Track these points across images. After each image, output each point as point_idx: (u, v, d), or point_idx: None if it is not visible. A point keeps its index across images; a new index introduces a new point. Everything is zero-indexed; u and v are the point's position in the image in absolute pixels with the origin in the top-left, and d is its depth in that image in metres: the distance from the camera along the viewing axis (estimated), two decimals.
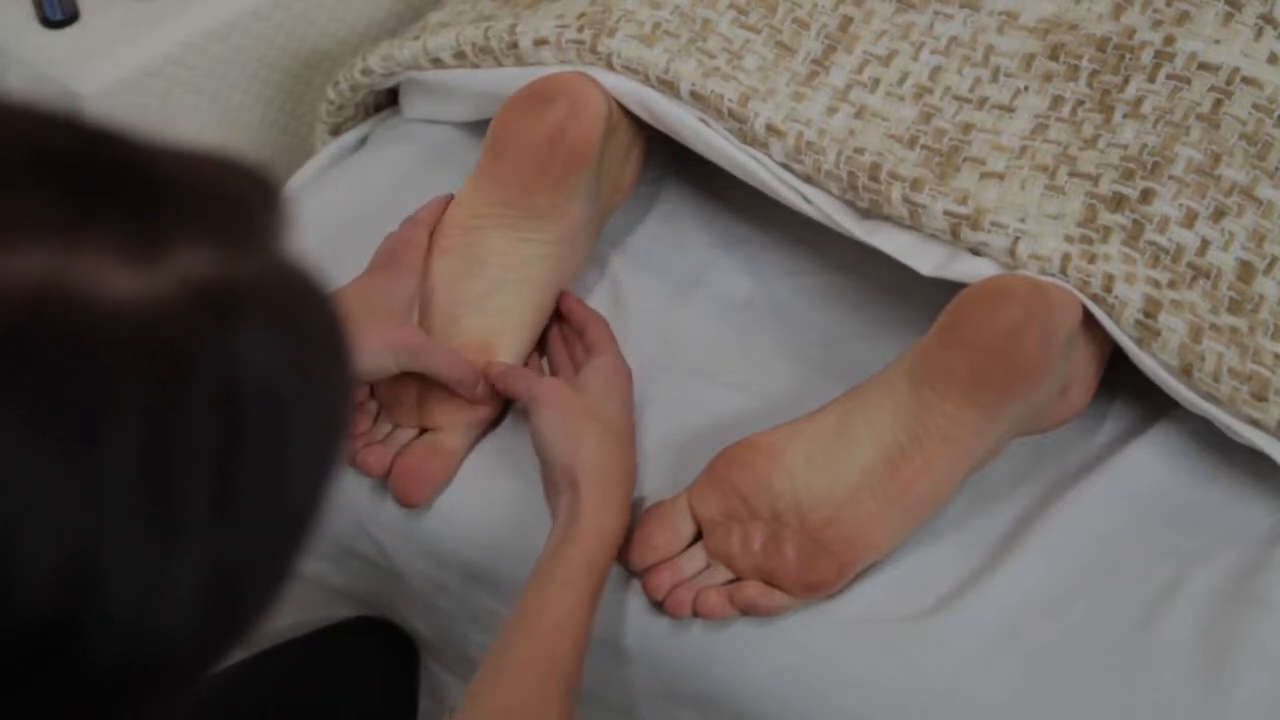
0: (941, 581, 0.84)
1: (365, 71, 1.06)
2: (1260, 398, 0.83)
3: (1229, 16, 0.95)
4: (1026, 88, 0.95)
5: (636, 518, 0.84)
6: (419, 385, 0.88)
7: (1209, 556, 0.85)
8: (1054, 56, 0.96)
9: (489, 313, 0.90)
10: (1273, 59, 0.94)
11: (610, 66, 0.94)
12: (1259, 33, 0.95)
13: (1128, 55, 0.95)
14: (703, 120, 0.94)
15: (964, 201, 0.87)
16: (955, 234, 0.87)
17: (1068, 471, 0.89)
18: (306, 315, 0.39)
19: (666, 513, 0.83)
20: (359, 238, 0.94)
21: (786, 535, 0.81)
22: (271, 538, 0.39)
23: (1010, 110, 0.94)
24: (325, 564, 0.94)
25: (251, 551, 0.38)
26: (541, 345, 0.95)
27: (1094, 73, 0.95)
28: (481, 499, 0.88)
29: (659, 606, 0.82)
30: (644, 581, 0.82)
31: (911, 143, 0.93)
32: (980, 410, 0.79)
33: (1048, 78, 0.95)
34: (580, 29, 0.95)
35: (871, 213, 0.91)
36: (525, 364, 0.92)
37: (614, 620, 0.83)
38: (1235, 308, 0.86)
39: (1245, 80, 0.92)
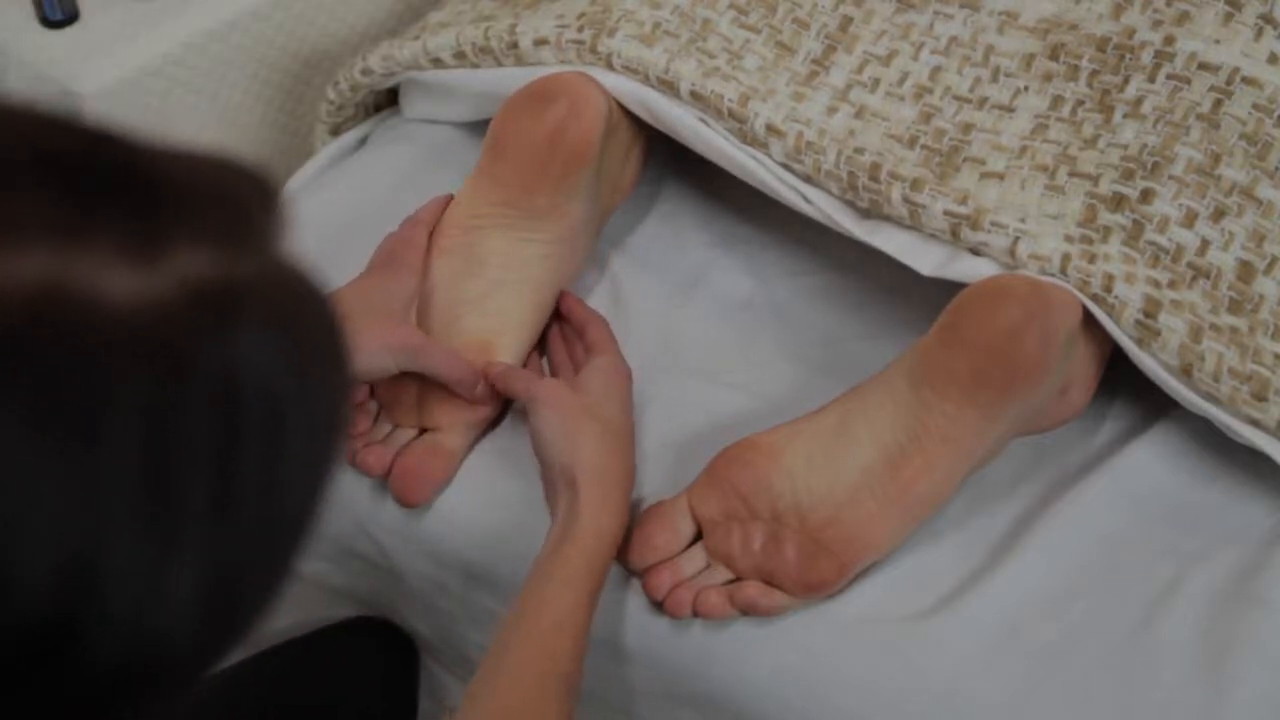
0: (941, 581, 0.84)
1: (365, 71, 1.06)
2: (1260, 398, 0.83)
3: (1229, 16, 0.95)
4: (1026, 88, 0.95)
5: (636, 517, 0.84)
6: (419, 385, 0.88)
7: (1209, 556, 0.85)
8: (1054, 56, 0.96)
9: (489, 313, 0.90)
10: (1273, 59, 0.94)
11: (610, 66, 0.94)
12: (1259, 33, 0.95)
13: (1128, 55, 0.95)
14: (703, 120, 0.94)
15: (964, 201, 0.87)
16: (955, 234, 0.87)
17: (1068, 471, 0.89)
18: (305, 316, 0.39)
19: (666, 513, 0.83)
20: (359, 238, 0.94)
21: (786, 535, 0.81)
22: (271, 538, 0.39)
23: (1010, 110, 0.94)
24: (325, 564, 0.94)
25: (251, 551, 0.38)
26: (541, 345, 0.95)
27: (1094, 73, 0.95)
28: (481, 499, 0.88)
29: (659, 606, 0.82)
30: (644, 581, 0.83)
31: (911, 143, 0.93)
32: (980, 410, 0.79)
33: (1048, 78, 0.95)
34: (580, 29, 0.95)
35: (871, 213, 0.91)
36: (525, 364, 0.92)
37: (614, 620, 0.83)
38: (1235, 308, 0.86)
39: (1245, 80, 0.92)
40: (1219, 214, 0.88)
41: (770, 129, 0.91)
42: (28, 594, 0.33)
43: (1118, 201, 0.88)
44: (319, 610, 0.97)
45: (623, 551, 0.83)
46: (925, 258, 0.88)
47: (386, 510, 0.88)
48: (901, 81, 0.96)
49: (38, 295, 0.33)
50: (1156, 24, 0.96)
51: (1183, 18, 0.96)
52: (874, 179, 0.89)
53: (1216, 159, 0.89)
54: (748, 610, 0.81)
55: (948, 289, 0.84)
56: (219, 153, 0.39)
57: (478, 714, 0.74)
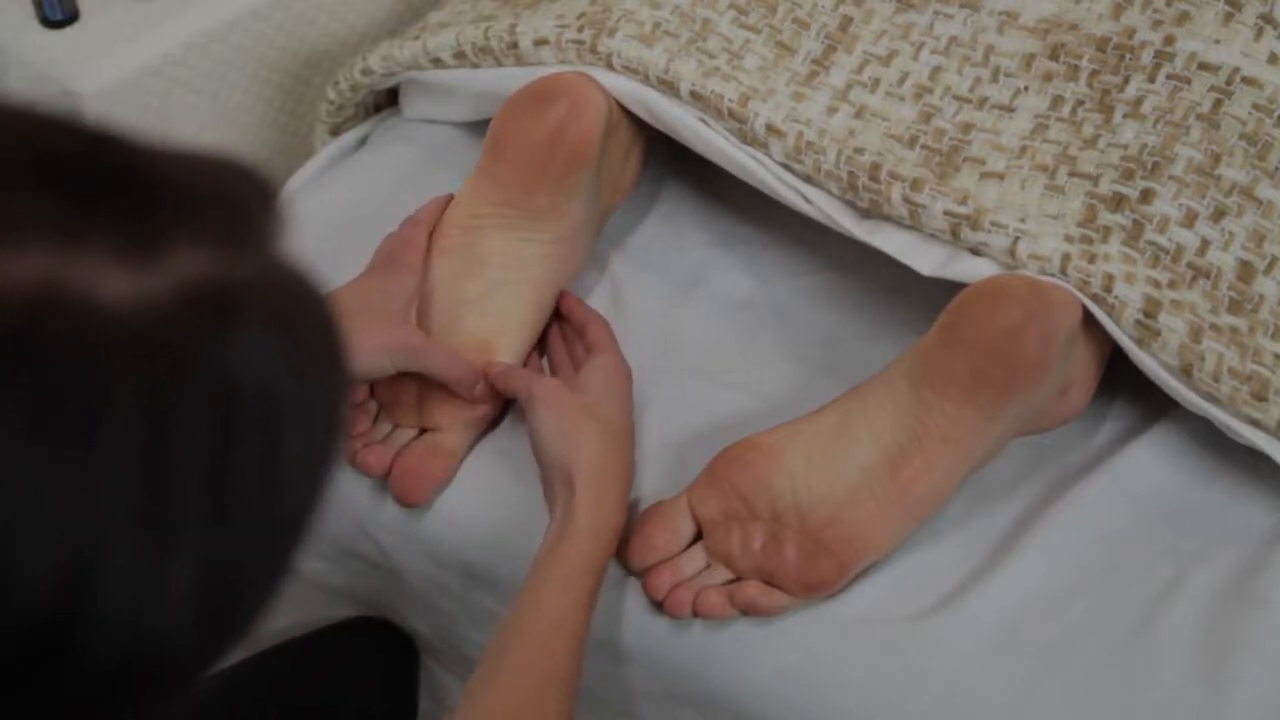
0: (941, 581, 0.84)
1: (365, 71, 1.06)
2: (1260, 398, 0.83)
3: (1229, 16, 0.95)
4: (1026, 88, 0.95)
5: (635, 517, 0.84)
6: (418, 385, 0.88)
7: (1209, 556, 0.85)
8: (1054, 56, 0.96)
9: (489, 313, 0.90)
10: (1273, 59, 0.94)
11: (610, 66, 0.94)
12: (1259, 33, 0.95)
13: (1128, 55, 0.95)
14: (703, 120, 0.94)
15: (964, 201, 0.87)
16: (955, 234, 0.87)
17: (1068, 471, 0.89)
18: (304, 316, 0.39)
19: (666, 513, 0.83)
20: (359, 238, 0.94)
21: (786, 535, 0.81)
22: (270, 538, 0.39)
23: (1010, 110, 0.94)
24: (325, 564, 0.94)
25: (250, 551, 0.38)
26: (542, 345, 0.95)
27: (1094, 73, 0.95)
28: (481, 499, 0.88)
29: (659, 606, 0.82)
30: (644, 581, 0.82)
31: (911, 143, 0.93)
32: (980, 410, 0.79)
33: (1048, 78, 0.95)
34: (580, 29, 0.95)
35: (871, 213, 0.91)
36: (525, 364, 0.92)
37: (613, 620, 0.83)
38: (1235, 308, 0.86)
39: (1245, 80, 0.92)
40: (1219, 214, 0.88)
41: (770, 129, 0.91)
42: (27, 594, 0.33)
43: (1118, 201, 0.88)
44: (319, 610, 0.97)
45: (623, 551, 0.83)
46: (925, 258, 0.88)
47: (386, 510, 0.88)
48: (901, 81, 0.96)
49: (37, 296, 0.33)
50: (1156, 24, 0.96)
51: (1183, 18, 0.96)
52: (874, 179, 0.89)
53: (1216, 159, 0.89)
54: (748, 610, 0.81)
55: (948, 289, 0.84)
56: (218, 153, 0.39)
57: (477, 713, 0.74)
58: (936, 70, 0.97)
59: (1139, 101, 0.92)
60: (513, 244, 0.91)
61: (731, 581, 0.82)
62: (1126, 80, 0.94)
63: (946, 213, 0.87)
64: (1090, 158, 0.90)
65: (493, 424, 0.91)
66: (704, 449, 0.85)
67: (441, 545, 0.88)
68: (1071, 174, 0.90)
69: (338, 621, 0.97)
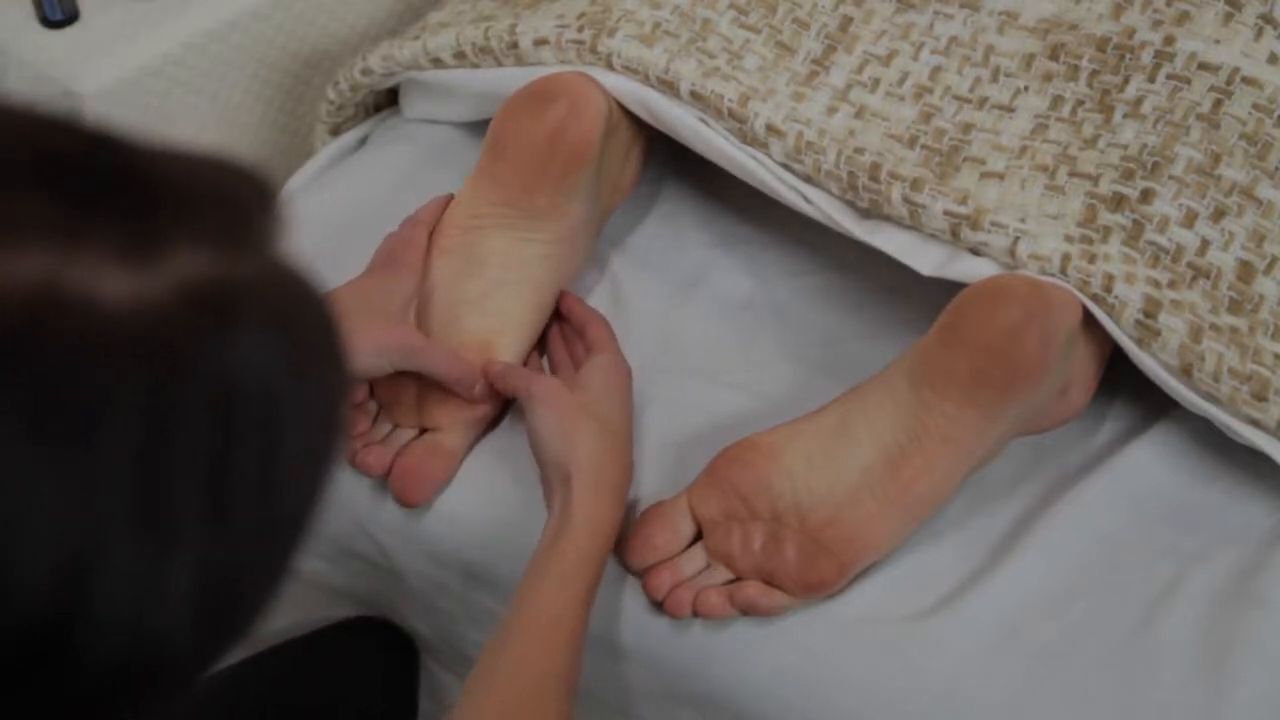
0: (941, 581, 0.84)
1: (365, 71, 1.06)
2: (1260, 398, 0.83)
3: (1229, 16, 0.95)
4: (1026, 88, 0.95)
5: (635, 517, 0.84)
6: (418, 385, 0.88)
7: (1209, 556, 0.85)
8: (1054, 56, 0.96)
9: (489, 313, 0.90)
10: (1273, 59, 0.94)
11: (610, 66, 0.94)
12: (1259, 33, 0.95)
13: (1128, 55, 0.95)
14: (703, 120, 0.94)
15: (964, 201, 0.87)
16: (955, 234, 0.87)
17: (1068, 471, 0.89)
18: (303, 317, 0.39)
19: (666, 513, 0.83)
20: (359, 238, 0.94)
21: (786, 535, 0.81)
22: (269, 538, 0.39)
23: (1010, 110, 0.94)
24: (325, 564, 0.94)
25: (250, 551, 0.38)
26: (542, 345, 0.95)
27: (1094, 73, 0.95)
28: (481, 499, 0.88)
29: (659, 606, 0.82)
30: (644, 581, 0.82)
31: (911, 143, 0.93)
32: (980, 410, 0.79)
33: (1048, 78, 0.95)
34: (580, 29, 0.95)
35: (871, 213, 0.91)
36: (525, 364, 0.92)
37: (613, 620, 0.83)
38: (1235, 308, 0.86)
39: (1245, 80, 0.92)
40: (1219, 214, 0.88)
41: (770, 129, 0.91)
42: (27, 594, 0.33)
43: (1118, 201, 0.88)
44: (319, 610, 0.97)
45: (623, 551, 0.83)
46: (925, 258, 0.88)
47: (386, 510, 0.88)
48: (901, 81, 0.96)
49: (36, 296, 0.33)
50: (1156, 24, 0.96)
51: (1183, 18, 0.96)
52: (874, 179, 0.89)
53: (1216, 159, 0.89)
54: (748, 610, 0.81)
55: (948, 289, 0.84)
56: (218, 154, 0.39)
57: (476, 711, 0.74)
58: (936, 70, 0.97)
59: (1139, 101, 0.92)
60: (513, 244, 0.91)
61: (731, 581, 0.82)
62: (1126, 80, 0.94)
63: (946, 213, 0.87)
64: (1090, 158, 0.90)
65: (493, 424, 0.91)
66: (704, 449, 0.85)
67: (441, 545, 0.88)
68: (1071, 174, 0.90)
69: (338, 621, 0.97)
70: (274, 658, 0.91)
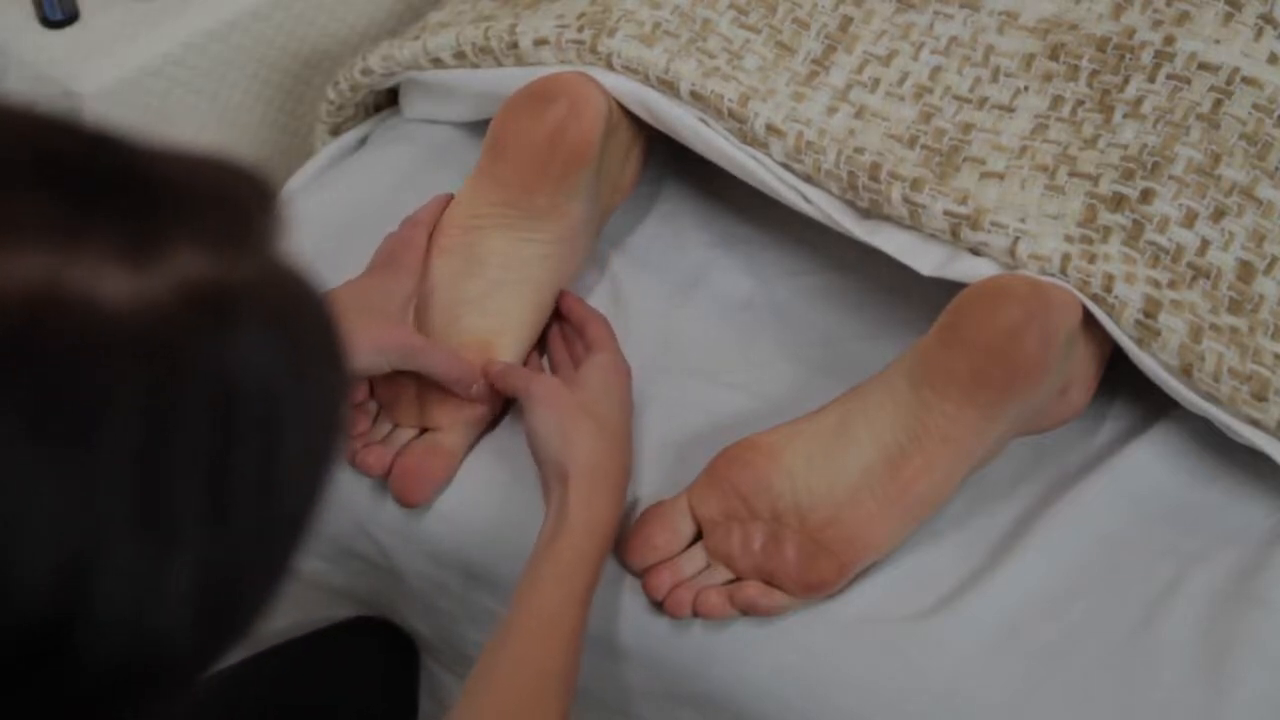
0: (941, 581, 0.84)
1: (365, 71, 1.06)
2: (1260, 398, 0.83)
3: (1229, 16, 0.95)
4: (1026, 88, 0.95)
5: (636, 517, 0.84)
6: (418, 385, 0.88)
7: (1209, 556, 0.85)
8: (1054, 56, 0.96)
9: (489, 313, 0.90)
10: (1273, 59, 0.94)
11: (610, 66, 0.94)
12: (1259, 33, 0.95)
13: (1128, 55, 0.95)
14: (703, 120, 0.94)
15: (964, 201, 0.87)
16: (955, 234, 0.87)
17: (1068, 471, 0.89)
18: (303, 317, 0.39)
19: (666, 513, 0.83)
20: (359, 238, 0.94)
21: (786, 535, 0.81)
22: (270, 538, 0.39)
23: (1010, 110, 0.94)
24: (325, 564, 0.94)
25: (250, 551, 0.38)
26: (542, 345, 0.95)
27: (1094, 73, 0.95)
28: (481, 499, 0.88)
29: (659, 606, 0.82)
30: (644, 581, 0.82)
31: (911, 142, 0.93)
32: (980, 410, 0.79)
33: (1048, 78, 0.95)
34: (580, 29, 0.95)
35: (871, 213, 0.91)
36: (525, 363, 0.92)
37: (613, 620, 0.83)
38: (1235, 308, 0.86)
39: (1245, 80, 0.92)
40: (1219, 214, 0.88)
41: (770, 129, 0.91)
42: (27, 594, 0.33)
43: (1118, 201, 0.88)
44: (319, 610, 0.97)
45: (623, 551, 0.83)
46: (925, 258, 0.88)
47: (386, 510, 0.88)
48: (901, 81, 0.96)
49: (36, 296, 0.33)
50: (1156, 24, 0.96)
51: (1183, 18, 0.96)
52: (874, 179, 0.89)
53: (1216, 159, 0.89)
54: (748, 610, 0.81)
55: (948, 289, 0.84)
56: (217, 154, 0.39)
57: (475, 711, 0.74)
58: (936, 70, 0.97)
59: (1139, 101, 0.92)
60: (513, 244, 0.91)
61: (731, 581, 0.82)
62: (1126, 80, 0.94)
63: (946, 213, 0.87)
64: (1090, 158, 0.90)
65: (492, 424, 0.91)
66: (704, 449, 0.85)
67: (441, 545, 0.88)
68: (1071, 174, 0.90)
69: (338, 621, 0.97)
70: (274, 658, 0.91)
